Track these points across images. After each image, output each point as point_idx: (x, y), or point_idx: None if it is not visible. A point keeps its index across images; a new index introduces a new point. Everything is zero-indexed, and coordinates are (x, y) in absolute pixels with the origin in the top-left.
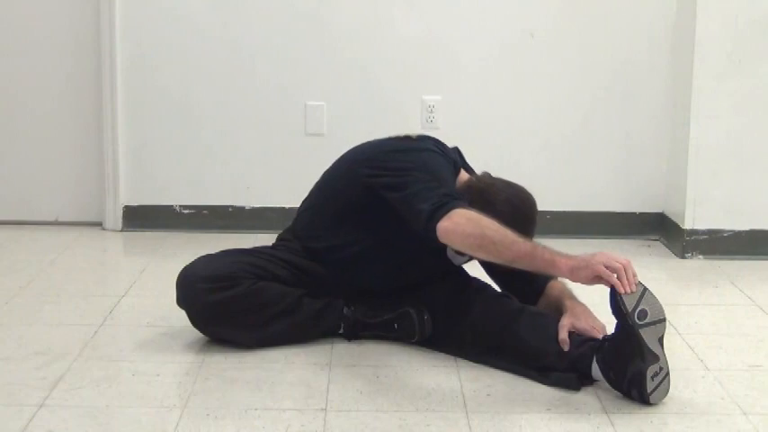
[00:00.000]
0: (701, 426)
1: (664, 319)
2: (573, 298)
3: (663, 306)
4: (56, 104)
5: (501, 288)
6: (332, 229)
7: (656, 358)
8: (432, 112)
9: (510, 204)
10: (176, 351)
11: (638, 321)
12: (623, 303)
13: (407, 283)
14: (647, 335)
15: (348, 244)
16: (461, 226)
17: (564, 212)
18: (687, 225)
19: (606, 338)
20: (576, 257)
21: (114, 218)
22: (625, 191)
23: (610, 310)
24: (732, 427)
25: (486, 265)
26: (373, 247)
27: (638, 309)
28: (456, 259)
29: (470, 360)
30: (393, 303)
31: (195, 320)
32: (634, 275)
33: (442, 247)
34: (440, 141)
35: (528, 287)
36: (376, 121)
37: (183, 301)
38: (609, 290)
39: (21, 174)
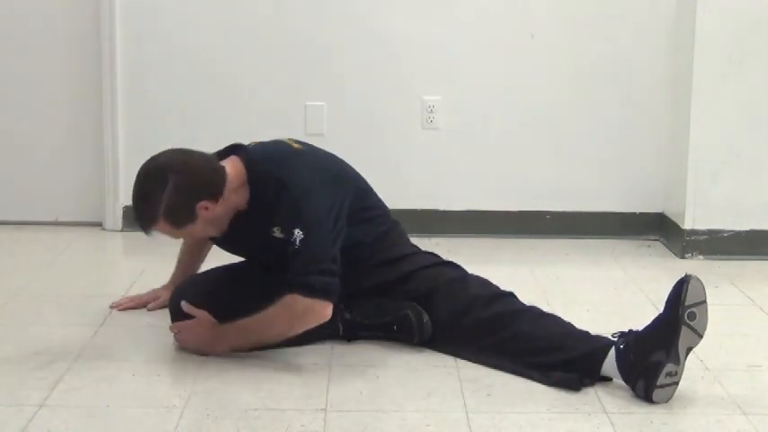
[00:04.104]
0: (701, 426)
1: (702, 336)
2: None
3: (707, 325)
4: (56, 105)
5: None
6: None
7: (677, 361)
8: (432, 112)
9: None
10: (176, 351)
11: (686, 318)
12: (686, 294)
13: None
14: (684, 336)
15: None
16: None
17: (563, 212)
18: (687, 225)
19: (634, 331)
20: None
21: (114, 218)
22: (625, 191)
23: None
24: (732, 427)
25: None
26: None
27: (692, 309)
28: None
29: (470, 360)
30: (392, 306)
31: None
32: None
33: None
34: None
35: None
36: (376, 121)
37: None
38: (679, 278)
39: (21, 174)
